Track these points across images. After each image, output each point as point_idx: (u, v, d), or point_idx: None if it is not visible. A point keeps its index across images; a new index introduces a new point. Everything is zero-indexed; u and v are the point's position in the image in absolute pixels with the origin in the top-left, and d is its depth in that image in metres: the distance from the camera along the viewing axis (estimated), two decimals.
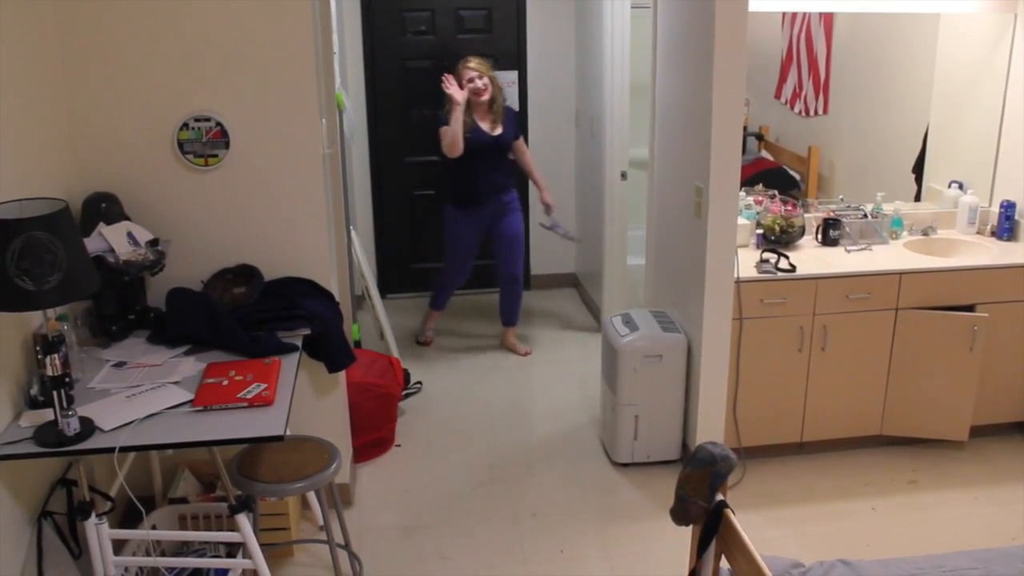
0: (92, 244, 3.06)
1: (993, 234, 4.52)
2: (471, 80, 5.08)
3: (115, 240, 3.13)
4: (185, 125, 3.37)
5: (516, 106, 6.39)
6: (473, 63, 5.13)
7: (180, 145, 3.39)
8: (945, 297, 4.13)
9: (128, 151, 3.38)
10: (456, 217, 5.43)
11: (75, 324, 3.08)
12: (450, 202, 5.45)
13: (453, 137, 5.08)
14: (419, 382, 5.17)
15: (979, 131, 4.60)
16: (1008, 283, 4.16)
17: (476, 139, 5.16)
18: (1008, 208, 4.43)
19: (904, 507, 3.95)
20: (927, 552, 2.96)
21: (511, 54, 6.32)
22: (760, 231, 4.39)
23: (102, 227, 3.15)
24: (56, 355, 2.48)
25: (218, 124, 3.39)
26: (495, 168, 5.31)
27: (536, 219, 6.14)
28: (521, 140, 5.46)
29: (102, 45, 3.27)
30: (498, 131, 5.23)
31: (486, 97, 5.14)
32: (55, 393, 2.52)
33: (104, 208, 3.23)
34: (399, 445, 4.54)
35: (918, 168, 4.77)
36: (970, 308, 4.14)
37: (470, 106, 5.12)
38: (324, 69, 3.72)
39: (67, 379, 2.52)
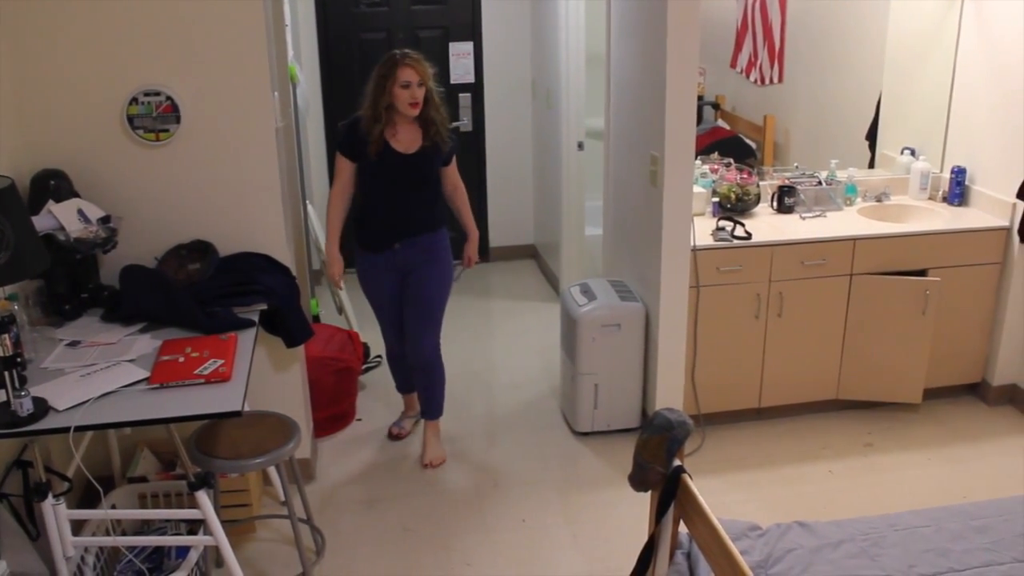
0: (41, 222, 3.00)
1: (945, 199, 4.58)
2: (406, 85, 3.63)
3: (65, 218, 3.08)
4: (135, 100, 3.31)
5: (471, 77, 6.36)
6: (413, 64, 3.65)
7: (130, 120, 3.33)
8: (898, 262, 4.19)
9: (77, 127, 3.32)
10: (361, 260, 4.00)
11: (26, 303, 3.03)
12: (355, 240, 4.01)
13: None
14: (379, 356, 5.15)
15: (930, 99, 4.65)
16: (959, 247, 4.23)
17: (385, 157, 3.73)
18: (959, 174, 4.49)
19: (860, 469, 4.02)
20: (883, 512, 3.02)
21: (466, 25, 6.27)
22: (716, 199, 4.41)
23: (51, 205, 3.09)
24: (6, 335, 2.44)
25: (168, 98, 3.33)
26: (410, 199, 3.82)
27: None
28: (453, 166, 3.94)
29: (48, 18, 3.19)
30: (416, 148, 3.76)
31: (415, 112, 3.69)
32: (6, 374, 2.47)
33: (53, 185, 3.17)
34: (360, 419, 4.54)
35: (871, 135, 4.83)
36: (922, 272, 4.21)
37: (393, 113, 3.70)
38: (276, 41, 3.67)
39: (19, 359, 2.48)
